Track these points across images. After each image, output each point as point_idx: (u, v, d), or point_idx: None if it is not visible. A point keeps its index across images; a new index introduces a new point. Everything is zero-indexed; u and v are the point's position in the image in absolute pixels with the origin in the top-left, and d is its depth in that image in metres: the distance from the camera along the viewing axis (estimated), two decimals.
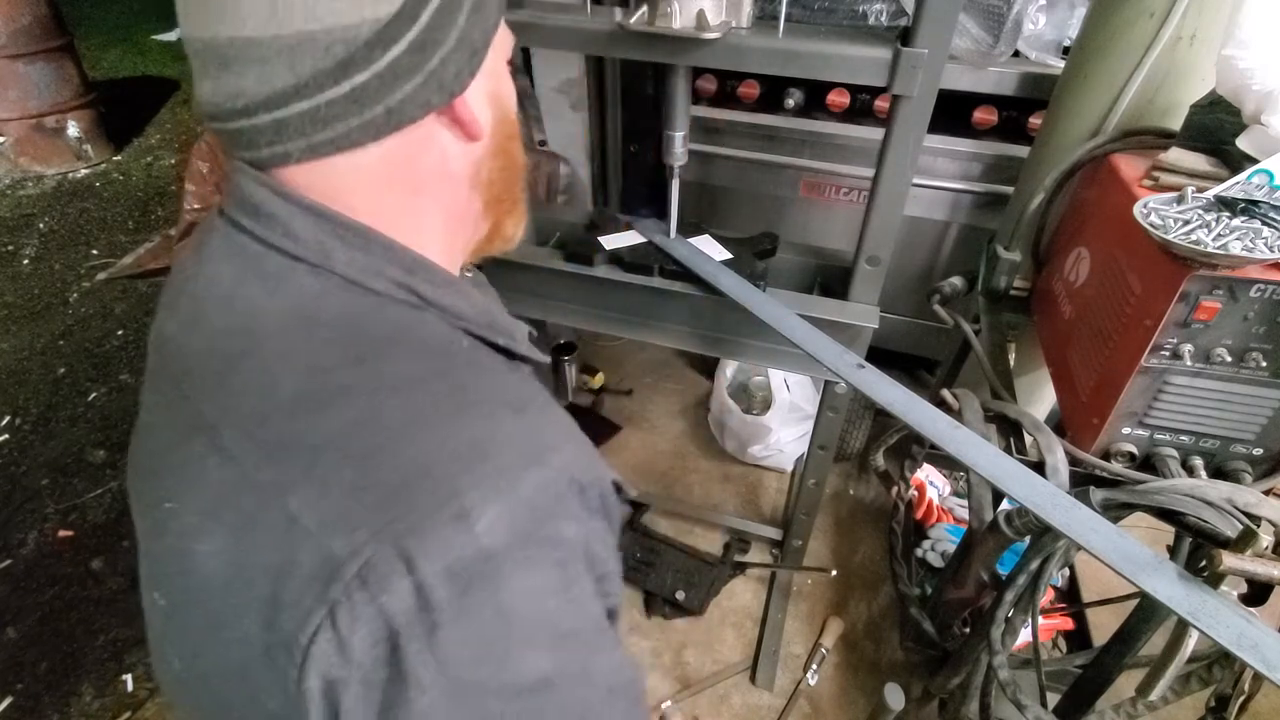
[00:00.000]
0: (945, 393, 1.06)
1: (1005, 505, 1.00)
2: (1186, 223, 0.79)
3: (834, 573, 1.84)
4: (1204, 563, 0.72)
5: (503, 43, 0.48)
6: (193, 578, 0.38)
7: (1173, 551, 0.89)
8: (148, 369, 0.48)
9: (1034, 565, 0.93)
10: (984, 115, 1.65)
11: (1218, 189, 0.81)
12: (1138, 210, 0.82)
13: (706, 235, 1.31)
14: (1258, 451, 0.89)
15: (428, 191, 0.46)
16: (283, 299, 0.41)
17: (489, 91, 0.47)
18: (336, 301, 0.41)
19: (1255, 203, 0.79)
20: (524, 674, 0.35)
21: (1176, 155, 0.91)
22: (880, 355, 1.54)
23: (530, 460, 0.38)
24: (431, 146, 0.45)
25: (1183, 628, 0.75)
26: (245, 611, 0.36)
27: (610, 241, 1.30)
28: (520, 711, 0.35)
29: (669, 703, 1.58)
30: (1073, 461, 0.93)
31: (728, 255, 1.27)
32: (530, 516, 0.37)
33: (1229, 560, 0.69)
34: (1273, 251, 0.74)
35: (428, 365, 0.41)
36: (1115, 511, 0.86)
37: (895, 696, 1.13)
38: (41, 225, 3.34)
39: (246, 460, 0.37)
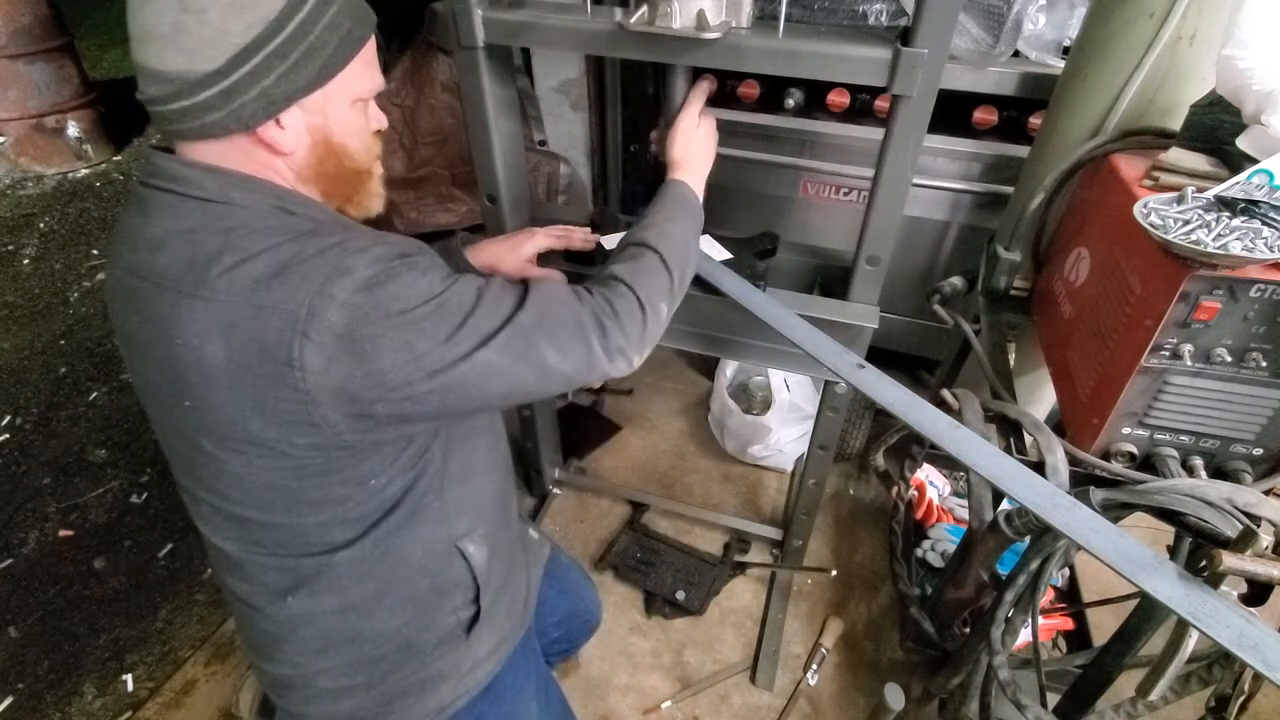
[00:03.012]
0: (945, 393, 1.06)
1: (1005, 505, 1.00)
2: (1186, 223, 0.79)
3: (834, 573, 1.84)
4: (1204, 563, 0.72)
5: (342, 91, 0.70)
6: (207, 369, 0.64)
7: (1173, 551, 0.89)
8: (119, 293, 0.70)
9: (1034, 565, 0.93)
10: (984, 115, 1.65)
11: (1218, 189, 0.81)
12: (1138, 210, 0.82)
13: (706, 235, 1.31)
14: (1258, 451, 0.89)
15: (264, 175, 0.70)
16: (208, 224, 0.66)
17: (308, 124, 0.70)
18: (240, 216, 0.66)
19: (1255, 203, 0.79)
20: (420, 297, 0.67)
21: (1176, 155, 0.91)
22: (880, 355, 1.54)
23: (372, 242, 0.67)
24: (252, 151, 0.69)
25: (1183, 628, 0.75)
26: (249, 365, 0.63)
27: (610, 242, 1.30)
28: (429, 313, 0.67)
29: (669, 703, 1.58)
30: (1073, 461, 0.93)
31: (728, 255, 1.27)
32: (381, 261, 0.66)
33: (1229, 560, 0.69)
34: (1273, 251, 0.74)
35: (300, 232, 0.67)
36: (1115, 511, 0.86)
37: (895, 696, 1.13)
38: (41, 225, 3.35)
39: (220, 295, 0.63)
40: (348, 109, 0.72)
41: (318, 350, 0.62)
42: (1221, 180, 0.82)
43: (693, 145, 1.05)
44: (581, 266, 1.27)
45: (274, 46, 0.63)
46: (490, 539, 0.91)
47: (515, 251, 1.10)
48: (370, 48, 0.72)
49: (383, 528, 0.78)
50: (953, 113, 1.61)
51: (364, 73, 0.72)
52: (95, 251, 3.15)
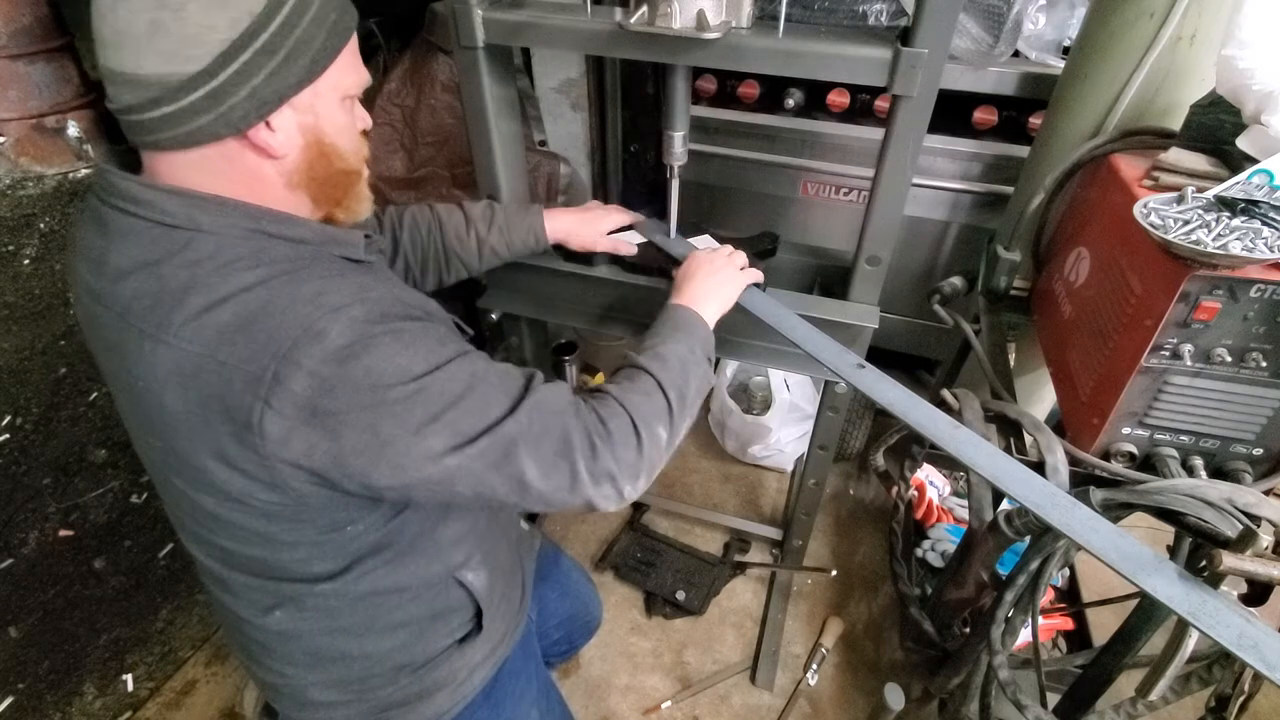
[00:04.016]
0: (945, 393, 1.06)
1: (1005, 505, 1.00)
2: (1186, 223, 0.79)
3: (834, 573, 1.84)
4: (1204, 563, 0.72)
5: (331, 88, 0.67)
6: (168, 414, 0.62)
7: (1173, 551, 0.89)
8: (84, 316, 0.68)
9: (1034, 565, 0.93)
10: (984, 115, 1.65)
11: (1218, 189, 0.81)
12: (1138, 210, 0.82)
13: (706, 235, 1.31)
14: (1258, 451, 0.89)
15: (249, 184, 0.65)
16: (173, 254, 0.61)
17: (300, 124, 0.66)
18: (208, 246, 0.62)
19: (1255, 203, 0.79)
20: (397, 375, 0.61)
21: (1176, 155, 0.91)
22: (880, 355, 1.54)
23: (353, 297, 0.62)
24: (240, 157, 0.64)
25: (1183, 628, 0.75)
26: (211, 421, 0.60)
27: None
28: (404, 396, 0.61)
29: (669, 703, 1.58)
30: (1073, 461, 0.93)
31: None
32: (359, 326, 0.60)
33: (1229, 560, 0.70)
34: (1273, 251, 0.74)
35: (275, 269, 0.62)
36: (1115, 511, 0.86)
37: (895, 696, 1.13)
38: (42, 225, 3.33)
39: (181, 343, 0.59)
40: (337, 107, 0.68)
41: (278, 420, 0.58)
42: (1221, 180, 0.82)
43: (712, 278, 1.00)
44: (581, 266, 1.27)
45: (262, 42, 0.59)
46: (489, 561, 0.88)
47: (592, 225, 1.16)
48: (354, 43, 0.69)
49: (368, 564, 0.75)
50: (953, 113, 1.61)
51: (351, 68, 0.69)
52: None
